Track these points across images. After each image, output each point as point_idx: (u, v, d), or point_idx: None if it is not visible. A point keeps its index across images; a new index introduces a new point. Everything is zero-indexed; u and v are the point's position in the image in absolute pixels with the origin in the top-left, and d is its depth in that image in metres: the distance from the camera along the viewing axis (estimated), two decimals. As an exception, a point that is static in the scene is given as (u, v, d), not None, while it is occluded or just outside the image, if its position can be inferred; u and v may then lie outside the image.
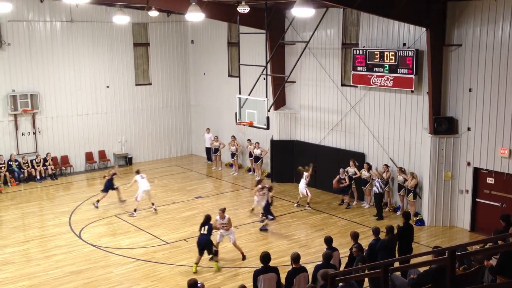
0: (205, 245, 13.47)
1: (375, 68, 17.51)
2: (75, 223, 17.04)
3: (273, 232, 16.16)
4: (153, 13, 21.26)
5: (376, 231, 11.74)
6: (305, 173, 18.32)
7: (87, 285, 12.79)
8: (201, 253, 13.48)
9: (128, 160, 24.73)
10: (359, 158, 18.62)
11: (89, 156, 23.89)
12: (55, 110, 22.81)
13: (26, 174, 21.91)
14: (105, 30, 23.58)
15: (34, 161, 22.19)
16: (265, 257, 9.91)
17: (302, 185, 18.31)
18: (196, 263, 13.44)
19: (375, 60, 17.45)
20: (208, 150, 24.70)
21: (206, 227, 13.50)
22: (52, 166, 22.49)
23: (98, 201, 18.50)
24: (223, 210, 14.03)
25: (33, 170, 22.02)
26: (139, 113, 25.10)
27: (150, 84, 25.40)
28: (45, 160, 22.42)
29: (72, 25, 22.80)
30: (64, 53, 22.80)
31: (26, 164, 21.95)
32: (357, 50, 18.05)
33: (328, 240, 11.23)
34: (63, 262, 14.07)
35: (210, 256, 13.72)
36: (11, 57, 21.64)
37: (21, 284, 12.84)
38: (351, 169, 18.34)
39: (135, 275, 13.31)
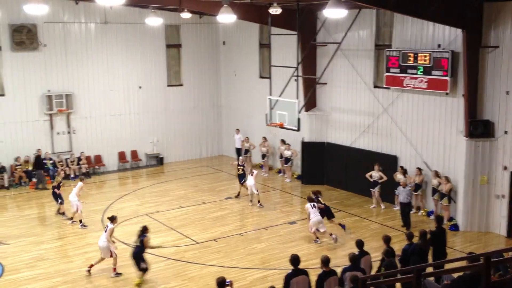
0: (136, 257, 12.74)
1: (408, 70, 17.24)
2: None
3: (302, 234, 16.07)
4: (186, 15, 21.44)
5: (409, 236, 11.56)
6: (255, 171, 18.80)
7: (118, 283, 12.96)
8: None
9: (159, 160, 24.99)
10: (391, 161, 18.37)
11: (121, 156, 24.25)
12: (89, 110, 23.23)
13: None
14: (138, 32, 23.87)
15: (68, 160, 22.64)
16: (295, 259, 9.82)
17: (252, 181, 18.48)
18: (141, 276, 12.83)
19: (408, 62, 17.18)
20: (238, 151, 24.76)
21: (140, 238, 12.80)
22: (86, 165, 22.89)
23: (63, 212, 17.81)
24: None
25: (67, 168, 22.47)
26: (171, 114, 25.33)
27: (182, 85, 25.62)
28: (79, 159, 22.85)
29: (106, 26, 23.17)
30: (98, 54, 23.21)
31: (61, 163, 22.41)
32: (391, 52, 17.81)
33: (360, 243, 11.10)
34: (96, 259, 14.26)
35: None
36: (47, 58, 22.13)
37: (55, 280, 13.10)
38: (376, 174, 18.06)
39: (166, 274, 13.42)
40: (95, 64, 23.20)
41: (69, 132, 22.96)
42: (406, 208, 16.47)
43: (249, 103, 24.72)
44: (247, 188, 18.87)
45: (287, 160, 21.78)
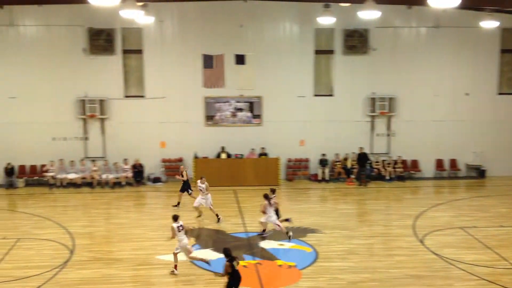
0: None
1: None
2: (419, 228, 16.78)
3: None
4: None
5: None
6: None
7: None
8: None
9: (480, 173, 23.22)
10: None
11: (439, 163, 23.50)
12: (410, 114, 23.21)
13: (376, 173, 22.90)
14: (470, 36, 22.69)
15: (385, 161, 23.03)
16: None
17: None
18: None
19: None
20: None
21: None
22: (401, 169, 22.91)
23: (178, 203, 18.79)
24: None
25: (383, 169, 22.86)
26: (500, 124, 23.40)
27: (516, 94, 23.28)
28: (395, 162, 23.01)
29: (437, 30, 22.68)
30: (425, 58, 23.00)
31: (378, 163, 22.96)
32: None
33: None
34: (404, 263, 13.99)
35: None
36: (374, 62, 22.93)
37: (363, 276, 13.27)
38: None
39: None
40: (421, 69, 23.03)
41: (388, 135, 23.34)
42: None
43: None
44: None
45: None
